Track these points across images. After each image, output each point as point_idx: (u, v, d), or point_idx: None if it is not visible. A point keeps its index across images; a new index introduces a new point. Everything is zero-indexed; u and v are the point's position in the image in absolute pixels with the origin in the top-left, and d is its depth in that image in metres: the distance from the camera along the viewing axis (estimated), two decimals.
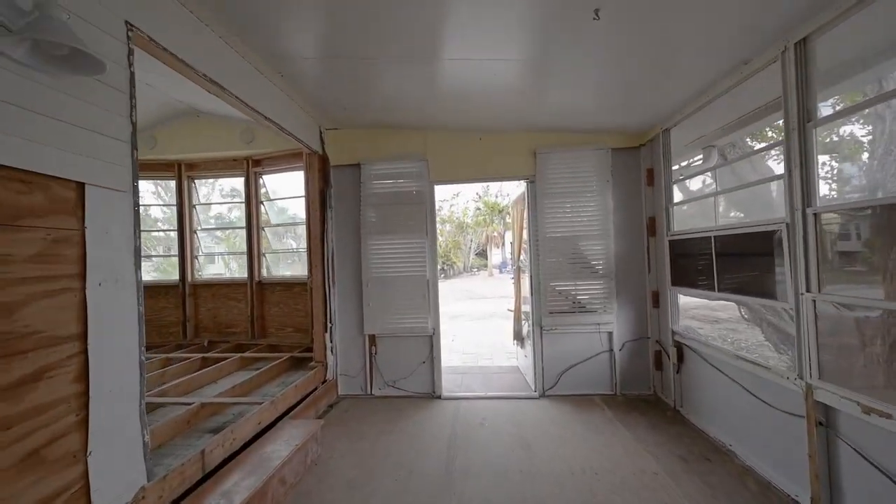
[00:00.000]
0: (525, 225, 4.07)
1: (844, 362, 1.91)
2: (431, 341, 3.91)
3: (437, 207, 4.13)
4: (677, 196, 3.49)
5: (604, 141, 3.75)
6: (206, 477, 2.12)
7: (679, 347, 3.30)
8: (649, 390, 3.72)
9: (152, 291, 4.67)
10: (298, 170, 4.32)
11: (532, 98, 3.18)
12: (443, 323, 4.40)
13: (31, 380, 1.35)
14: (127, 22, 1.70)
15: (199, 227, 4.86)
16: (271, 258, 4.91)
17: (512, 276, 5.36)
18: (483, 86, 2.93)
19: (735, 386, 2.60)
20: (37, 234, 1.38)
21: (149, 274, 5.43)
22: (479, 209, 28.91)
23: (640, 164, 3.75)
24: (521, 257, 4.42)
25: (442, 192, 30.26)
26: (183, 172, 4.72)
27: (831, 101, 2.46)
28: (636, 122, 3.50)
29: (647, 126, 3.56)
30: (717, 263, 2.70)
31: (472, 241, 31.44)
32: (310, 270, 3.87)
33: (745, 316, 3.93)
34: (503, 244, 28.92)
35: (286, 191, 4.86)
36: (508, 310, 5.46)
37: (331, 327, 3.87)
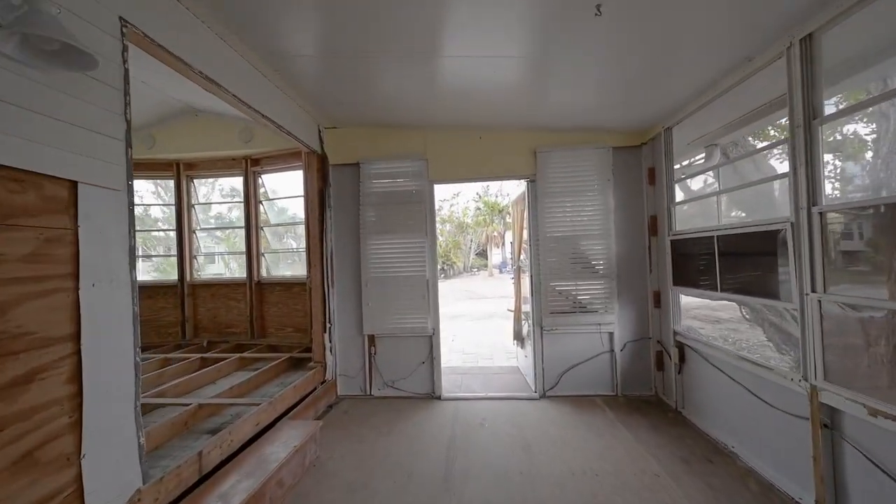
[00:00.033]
0: (525, 224, 4.05)
1: (850, 363, 1.89)
2: (431, 341, 3.89)
3: (437, 207, 4.11)
4: (679, 195, 3.46)
5: (605, 139, 3.72)
6: (204, 479, 2.10)
7: (681, 348, 3.27)
8: (651, 391, 3.69)
9: (151, 291, 4.66)
10: (297, 169, 4.29)
11: (532, 96, 3.15)
12: (443, 323, 4.38)
13: (23, 381, 1.32)
14: (121, 18, 1.68)
15: (197, 227, 4.84)
16: (271, 258, 4.89)
17: (512, 276, 5.34)
18: (483, 84, 2.91)
19: (737, 387, 2.57)
20: (29, 234, 1.36)
21: (149, 274, 5.41)
22: (479, 209, 28.85)
23: (642, 162, 3.72)
24: (522, 257, 4.39)
25: (442, 192, 30.23)
26: (181, 172, 4.70)
27: (834, 99, 2.43)
28: (638, 120, 3.47)
29: (649, 124, 3.53)
30: (719, 263, 2.68)
31: (472, 241, 31.39)
32: (309, 270, 3.85)
33: (747, 316, 3.91)
34: (503, 244, 28.88)
35: (286, 190, 4.84)
36: (508, 310, 5.44)
37: (330, 327, 3.84)
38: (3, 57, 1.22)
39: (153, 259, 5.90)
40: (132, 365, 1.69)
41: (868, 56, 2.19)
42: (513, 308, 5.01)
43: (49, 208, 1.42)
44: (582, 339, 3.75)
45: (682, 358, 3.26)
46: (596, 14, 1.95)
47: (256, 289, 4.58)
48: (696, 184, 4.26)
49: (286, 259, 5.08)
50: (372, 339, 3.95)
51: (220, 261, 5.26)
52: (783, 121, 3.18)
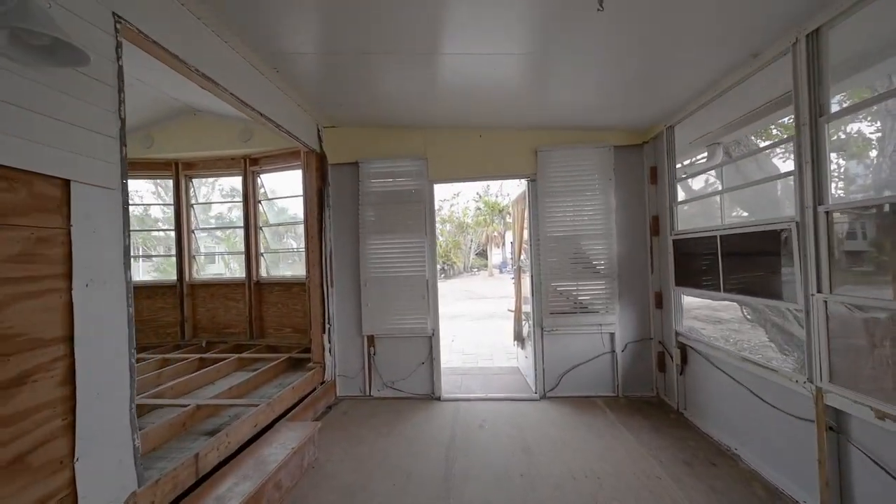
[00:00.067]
0: (526, 224, 4.02)
1: (856, 365, 1.85)
2: (431, 342, 3.86)
3: (436, 207, 4.08)
4: (681, 195, 3.43)
5: (606, 138, 3.69)
6: (201, 481, 2.08)
7: (683, 349, 3.24)
8: (652, 392, 3.66)
9: (150, 291, 4.64)
10: (297, 168, 4.26)
11: (532, 96, 3.12)
12: (442, 323, 4.35)
13: (15, 384, 1.30)
14: (115, 13, 1.65)
15: (196, 227, 4.82)
16: (271, 258, 4.87)
17: (512, 276, 5.31)
18: (483, 82, 2.88)
19: (740, 388, 2.55)
20: (20, 233, 1.34)
21: (149, 274, 5.40)
22: (479, 209, 28.81)
23: (644, 161, 3.69)
24: (522, 257, 4.37)
25: (442, 192, 30.18)
26: (180, 171, 4.67)
27: (838, 97, 2.40)
28: (639, 119, 3.44)
29: (651, 123, 3.50)
30: (722, 263, 2.65)
31: (472, 241, 31.35)
32: (308, 270, 3.83)
33: (749, 316, 3.88)
34: (503, 244, 28.85)
35: (285, 190, 4.82)
36: (509, 310, 5.41)
37: (329, 328, 3.82)
38: None
39: (153, 259, 5.88)
40: (127, 366, 1.67)
41: (873, 53, 2.16)
42: (513, 308, 4.99)
43: (41, 207, 1.39)
44: (583, 340, 3.72)
45: (684, 359, 3.23)
46: (598, 9, 1.92)
47: (255, 289, 4.55)
48: (698, 183, 4.23)
49: (286, 259, 5.06)
50: (371, 339, 3.92)
51: (220, 261, 5.24)
52: (786, 120, 3.15)
